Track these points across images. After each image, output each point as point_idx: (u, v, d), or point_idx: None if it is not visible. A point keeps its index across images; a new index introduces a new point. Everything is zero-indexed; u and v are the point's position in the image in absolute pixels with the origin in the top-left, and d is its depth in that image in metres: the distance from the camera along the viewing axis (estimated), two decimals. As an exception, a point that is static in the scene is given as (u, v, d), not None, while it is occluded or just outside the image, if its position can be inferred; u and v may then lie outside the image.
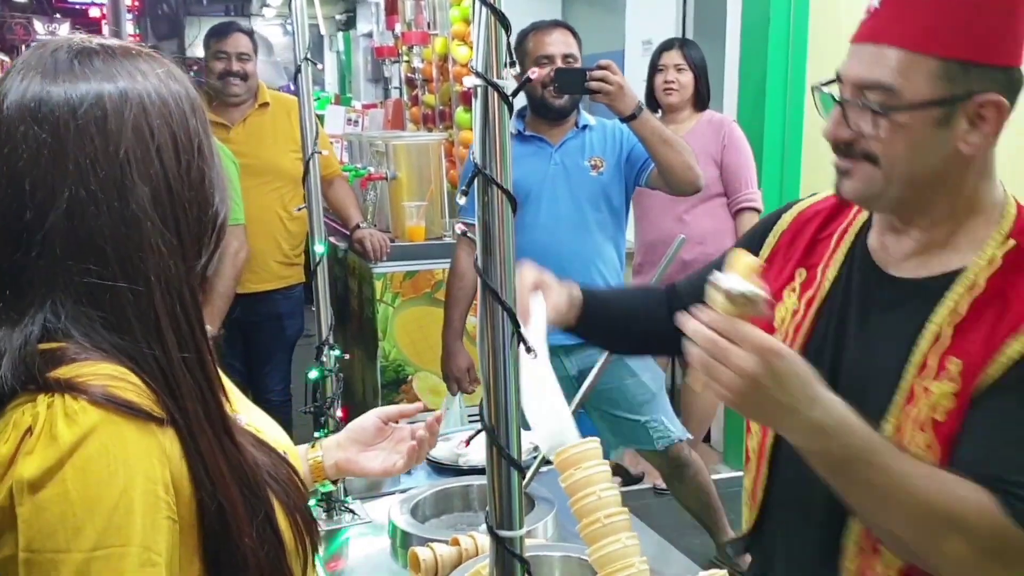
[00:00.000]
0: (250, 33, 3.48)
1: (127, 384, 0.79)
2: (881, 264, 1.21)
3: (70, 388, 0.77)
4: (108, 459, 0.76)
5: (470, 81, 0.78)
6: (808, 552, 1.21)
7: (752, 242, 1.37)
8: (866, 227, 1.26)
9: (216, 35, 3.43)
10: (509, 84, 0.79)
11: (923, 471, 1.02)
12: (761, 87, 3.72)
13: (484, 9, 0.77)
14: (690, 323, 0.98)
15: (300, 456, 1.31)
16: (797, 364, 0.99)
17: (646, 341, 1.54)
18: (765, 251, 1.34)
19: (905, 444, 1.11)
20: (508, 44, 0.78)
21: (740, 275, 0.95)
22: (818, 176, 3.64)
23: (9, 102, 0.82)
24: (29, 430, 0.75)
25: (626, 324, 1.48)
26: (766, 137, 3.70)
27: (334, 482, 1.67)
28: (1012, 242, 1.12)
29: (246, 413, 1.02)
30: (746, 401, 0.97)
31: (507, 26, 0.77)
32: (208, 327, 0.91)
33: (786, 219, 1.35)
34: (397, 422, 1.40)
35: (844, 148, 1.15)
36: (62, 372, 0.78)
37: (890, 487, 1.00)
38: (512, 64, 0.79)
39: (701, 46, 3.50)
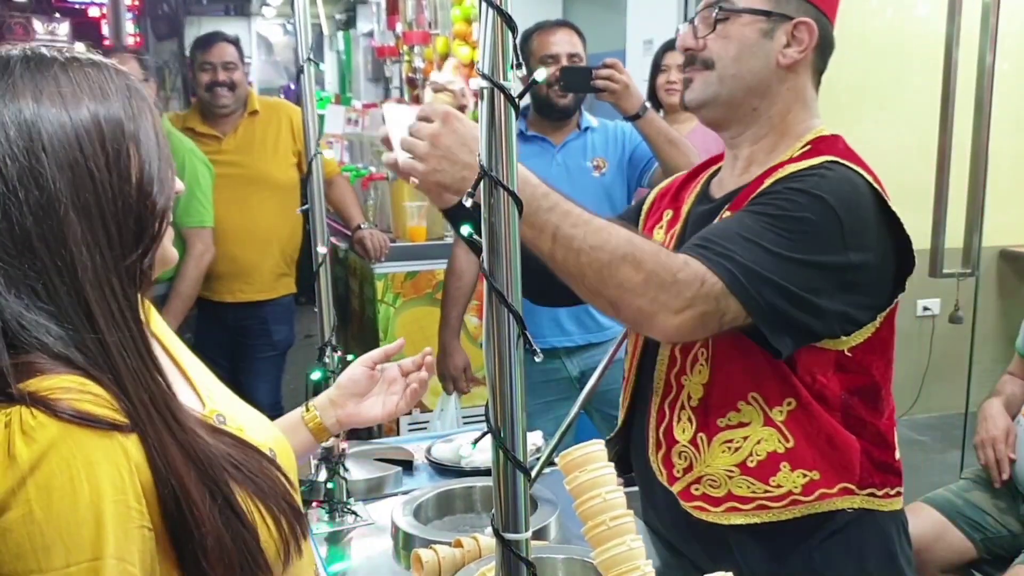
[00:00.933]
0: (235, 41, 3.43)
1: (87, 395, 0.78)
2: (712, 192, 1.46)
3: (34, 402, 0.76)
4: (71, 473, 0.75)
5: (476, 83, 0.78)
6: (642, 451, 1.43)
7: (634, 209, 1.64)
8: (715, 175, 1.50)
9: (200, 47, 3.38)
10: (516, 86, 0.78)
11: (599, 221, 1.19)
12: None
13: (490, 11, 0.76)
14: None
15: (296, 423, 1.38)
16: (476, 126, 1.13)
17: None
18: (646, 206, 1.60)
19: None
20: (515, 46, 0.78)
21: (446, 72, 1.10)
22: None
23: None
24: None
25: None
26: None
27: (336, 481, 1.66)
28: (808, 147, 1.36)
29: (230, 411, 1.01)
30: (435, 162, 1.13)
31: (514, 28, 0.77)
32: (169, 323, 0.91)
33: (665, 181, 1.63)
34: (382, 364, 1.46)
35: (688, 61, 1.41)
36: (25, 386, 0.77)
37: (573, 227, 1.15)
38: (519, 66, 0.79)
39: (703, 46, 3.49)
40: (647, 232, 1.52)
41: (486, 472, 1.80)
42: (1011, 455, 2.18)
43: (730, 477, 1.32)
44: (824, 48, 1.39)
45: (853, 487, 1.33)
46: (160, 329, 1.04)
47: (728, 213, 1.33)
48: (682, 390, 1.37)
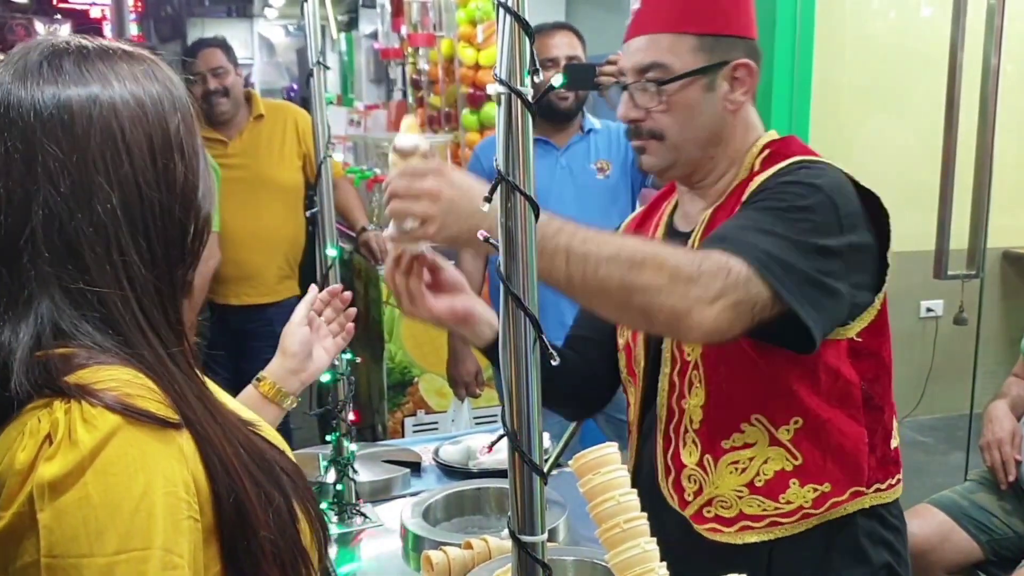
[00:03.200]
0: (221, 44, 3.39)
1: (142, 389, 0.80)
2: (679, 227, 1.46)
3: (87, 394, 0.76)
4: (127, 462, 0.76)
5: (493, 88, 0.78)
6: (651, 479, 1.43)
7: None
8: (675, 210, 1.50)
9: (186, 58, 3.37)
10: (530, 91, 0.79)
11: (609, 232, 1.20)
12: (767, 87, 3.72)
13: (507, 16, 0.77)
14: (387, 191, 1.14)
15: (258, 402, 1.42)
16: (471, 175, 1.15)
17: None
18: None
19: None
20: (532, 51, 0.78)
21: (405, 133, 1.14)
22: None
23: None
24: (48, 437, 0.75)
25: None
26: (771, 139, 3.70)
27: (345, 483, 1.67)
28: (767, 151, 1.37)
29: (249, 415, 1.01)
30: (443, 217, 1.10)
31: (531, 33, 0.77)
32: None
33: (625, 222, 1.63)
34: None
35: (635, 130, 1.39)
36: (77, 377, 0.78)
37: (584, 244, 1.12)
38: (536, 71, 0.79)
39: (707, 48, 3.50)
40: None
41: (495, 473, 1.81)
42: (1017, 457, 2.18)
43: (740, 497, 1.33)
44: (759, 62, 1.39)
45: (862, 488, 1.34)
46: None
47: (704, 215, 1.36)
48: (684, 414, 1.37)
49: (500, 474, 1.71)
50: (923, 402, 4.10)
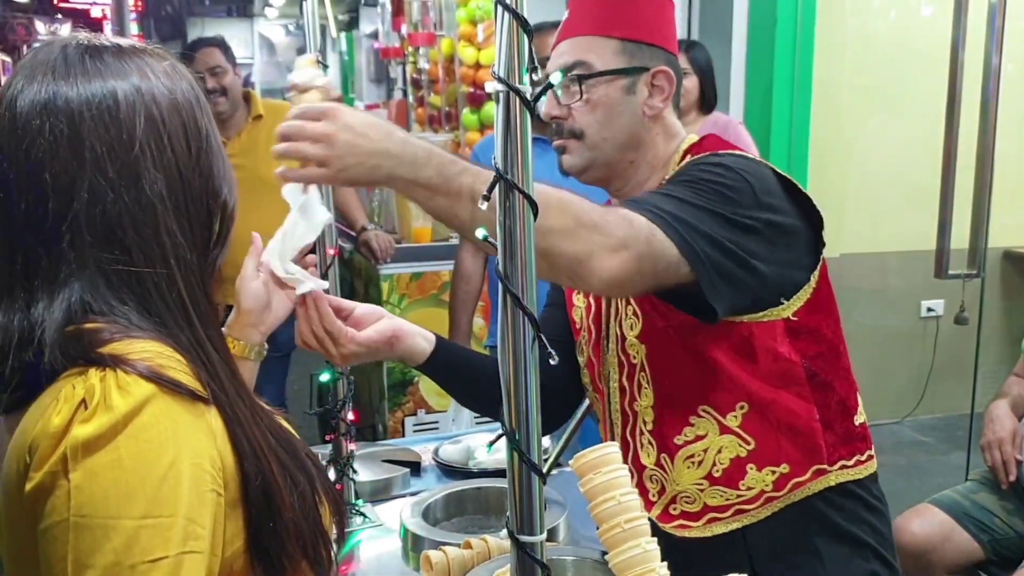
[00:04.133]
0: (220, 43, 3.39)
1: (173, 362, 0.82)
2: None
3: (121, 363, 0.78)
4: (159, 430, 0.77)
5: (492, 86, 0.78)
6: None
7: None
8: None
9: (185, 58, 3.37)
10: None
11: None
12: (768, 88, 3.72)
13: (505, 14, 0.76)
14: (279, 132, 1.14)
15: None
16: (365, 112, 1.13)
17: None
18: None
19: (621, 325, 1.38)
20: (530, 49, 0.78)
21: (301, 68, 1.14)
22: (825, 176, 3.64)
23: (23, 99, 0.85)
24: (83, 402, 0.76)
25: (479, 382, 1.52)
26: (773, 138, 3.70)
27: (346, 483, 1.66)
28: (689, 156, 1.38)
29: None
30: (341, 161, 1.09)
31: (529, 31, 0.77)
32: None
33: None
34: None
35: (556, 128, 1.41)
36: (111, 349, 0.80)
37: (489, 185, 1.09)
38: (534, 69, 0.79)
39: (707, 47, 3.50)
40: (569, 304, 1.54)
41: (494, 473, 1.81)
42: (1018, 456, 2.18)
43: (701, 490, 1.33)
44: (678, 76, 1.41)
45: (825, 466, 1.33)
46: None
47: None
48: (637, 417, 1.39)
49: (500, 474, 1.71)
50: (924, 402, 4.10)
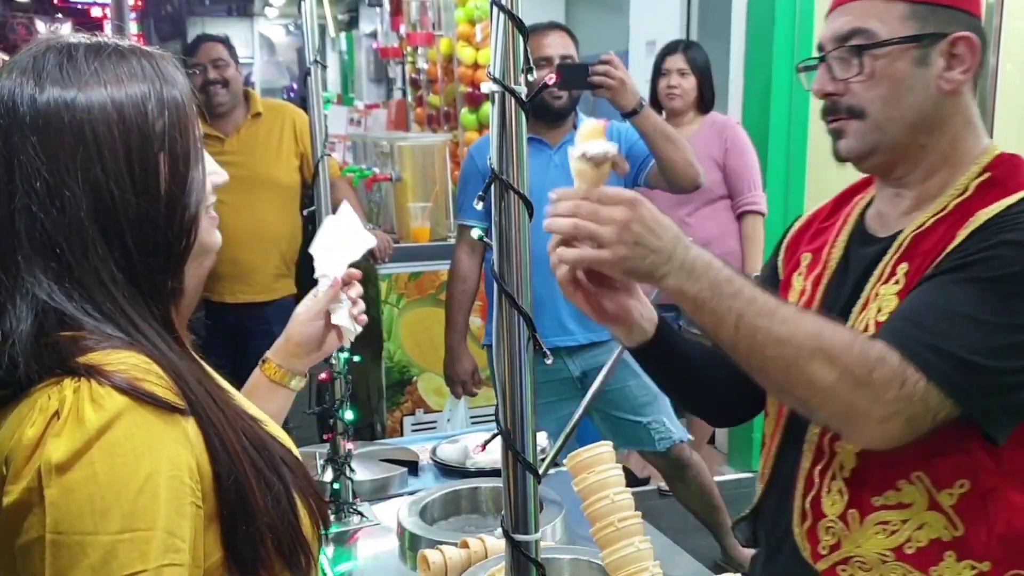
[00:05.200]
0: (223, 40, 3.42)
1: (150, 374, 0.81)
2: (873, 231, 1.26)
3: (96, 373, 0.78)
4: (134, 443, 0.76)
5: (487, 87, 0.78)
6: (781, 521, 1.24)
7: (769, 262, 1.44)
8: (868, 207, 1.31)
9: (188, 53, 3.41)
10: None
11: (786, 310, 1.07)
12: (766, 88, 3.72)
13: (501, 15, 0.77)
14: (559, 203, 1.06)
15: (267, 388, 1.35)
16: (660, 212, 1.07)
17: (699, 393, 1.42)
18: (781, 254, 1.40)
19: None
20: (526, 50, 0.78)
21: (589, 139, 1.05)
22: (823, 178, 3.64)
23: None
24: (56, 414, 0.76)
25: (689, 369, 1.37)
26: (771, 139, 3.70)
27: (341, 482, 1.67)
28: (987, 175, 1.18)
29: (248, 406, 1.02)
30: (625, 250, 1.03)
31: (525, 32, 0.77)
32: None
33: (795, 225, 1.42)
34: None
35: (831, 107, 1.21)
36: (87, 359, 0.79)
37: (757, 317, 1.04)
38: (530, 70, 0.79)
39: (706, 47, 3.50)
40: (784, 281, 1.36)
41: (491, 473, 1.81)
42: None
43: (883, 562, 1.15)
44: (985, 43, 1.19)
45: (1021, 572, 1.15)
46: None
47: (904, 265, 1.16)
48: (834, 458, 1.19)
49: (497, 473, 1.71)
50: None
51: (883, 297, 1.16)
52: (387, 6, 5.14)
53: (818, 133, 3.90)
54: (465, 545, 1.42)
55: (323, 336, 1.38)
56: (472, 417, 3.10)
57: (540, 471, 1.47)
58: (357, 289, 1.40)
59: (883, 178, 1.27)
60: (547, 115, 2.64)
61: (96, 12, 11.90)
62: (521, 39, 0.77)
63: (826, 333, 1.04)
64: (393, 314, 3.44)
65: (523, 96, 0.78)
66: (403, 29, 4.73)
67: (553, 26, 2.71)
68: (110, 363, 0.79)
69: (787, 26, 3.64)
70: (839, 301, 1.24)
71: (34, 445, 0.75)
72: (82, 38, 0.89)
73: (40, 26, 11.68)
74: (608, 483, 0.95)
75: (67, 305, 0.82)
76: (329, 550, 1.58)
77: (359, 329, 1.41)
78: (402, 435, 3.41)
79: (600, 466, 0.95)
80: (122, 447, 0.76)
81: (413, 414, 3.54)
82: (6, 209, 0.83)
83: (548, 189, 2.94)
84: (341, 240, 1.41)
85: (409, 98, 4.87)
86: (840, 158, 1.24)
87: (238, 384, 1.34)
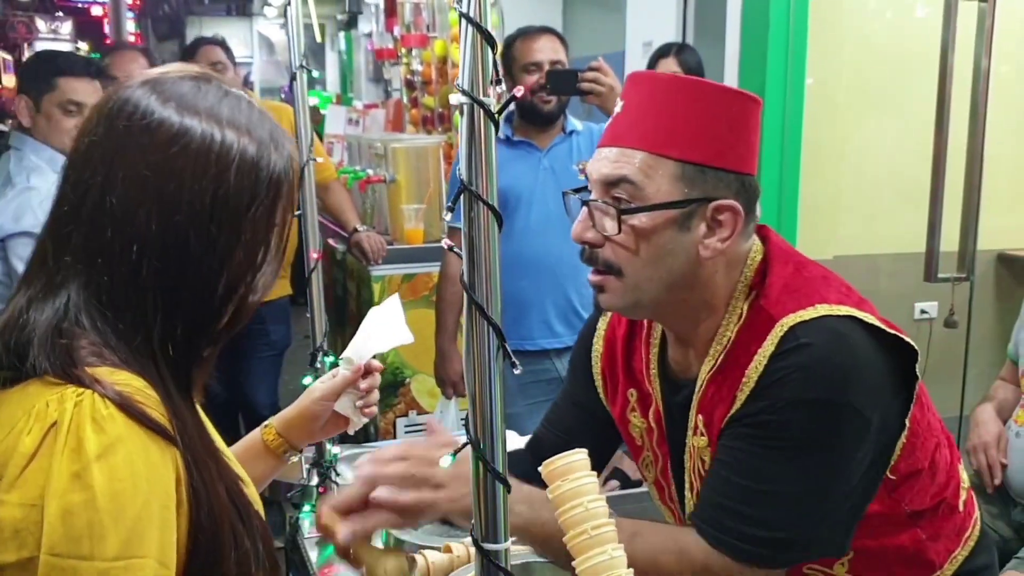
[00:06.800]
0: (221, 43, 3.46)
1: (149, 399, 0.81)
2: (675, 375, 1.31)
3: (100, 389, 0.78)
4: (133, 469, 0.77)
5: (456, 99, 0.79)
6: None
7: (580, 367, 1.48)
8: (664, 337, 1.33)
9: (186, 55, 3.43)
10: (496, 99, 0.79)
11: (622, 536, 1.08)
12: (761, 90, 3.72)
13: (470, 27, 0.77)
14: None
15: (260, 452, 1.35)
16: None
17: None
18: (598, 380, 1.44)
19: (697, 495, 1.26)
20: (494, 62, 0.78)
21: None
22: (818, 178, 3.64)
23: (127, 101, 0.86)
24: (54, 424, 0.76)
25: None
26: (765, 140, 3.70)
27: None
28: (753, 293, 1.21)
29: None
30: (463, 488, 1.05)
31: (493, 44, 0.78)
32: None
33: (597, 349, 1.44)
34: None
35: (589, 259, 1.20)
36: (95, 372, 0.79)
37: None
38: (498, 82, 0.79)
39: (701, 48, 3.51)
40: (618, 417, 1.41)
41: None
42: (1003, 460, 2.18)
43: None
44: (752, 203, 1.19)
45: (939, 572, 1.31)
46: None
47: (700, 417, 1.23)
48: None
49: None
50: (916, 403, 4.09)
51: (699, 449, 1.24)
52: (382, 6, 5.14)
53: (812, 135, 3.92)
54: (448, 550, 1.42)
55: (328, 418, 1.38)
56: (463, 418, 3.10)
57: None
58: (374, 380, 1.39)
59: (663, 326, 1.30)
60: (536, 119, 2.65)
61: (96, 11, 11.91)
62: (490, 51, 0.78)
63: (659, 558, 1.14)
64: (387, 315, 3.44)
65: (492, 108, 0.78)
66: (397, 30, 4.73)
67: (544, 30, 2.72)
68: (116, 382, 0.79)
69: (782, 28, 3.64)
70: (676, 442, 1.30)
71: (30, 455, 0.75)
72: (223, 84, 0.91)
73: (40, 24, 11.69)
74: (582, 491, 0.94)
75: (95, 318, 0.82)
76: (314, 555, 1.58)
77: (365, 420, 1.40)
78: (395, 437, 3.41)
79: (574, 474, 0.95)
80: (121, 472, 0.76)
81: (406, 415, 3.54)
82: (73, 206, 0.83)
83: (537, 191, 2.97)
84: (379, 330, 1.43)
85: (405, 99, 4.87)
86: (603, 310, 1.29)
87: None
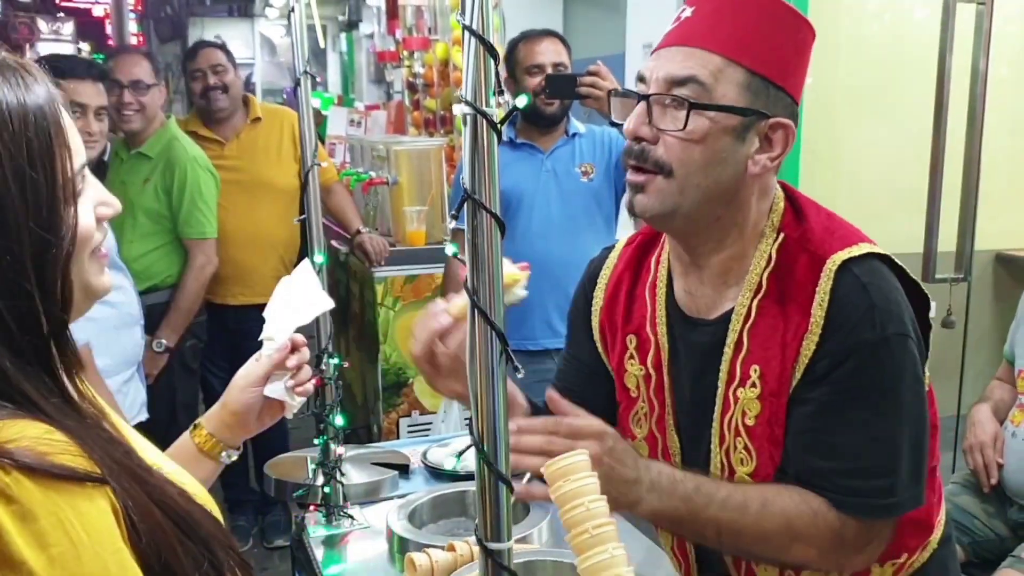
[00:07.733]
0: (222, 46, 3.50)
1: (56, 444, 0.72)
2: (692, 313, 1.29)
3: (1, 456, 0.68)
4: (64, 528, 0.69)
5: (459, 109, 0.81)
6: None
7: (579, 317, 1.46)
8: (670, 281, 1.32)
9: (188, 58, 3.46)
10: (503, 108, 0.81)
11: (753, 505, 1.16)
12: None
13: (472, 38, 0.79)
14: (521, 439, 1.08)
15: (193, 455, 1.23)
16: (624, 440, 1.13)
17: None
18: (596, 334, 1.42)
19: (728, 451, 1.23)
20: (497, 73, 0.81)
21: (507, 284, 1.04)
22: (816, 179, 3.66)
23: None
24: None
25: None
26: (764, 142, 3.72)
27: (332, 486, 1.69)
28: (782, 235, 1.21)
29: (164, 463, 0.94)
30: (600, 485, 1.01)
31: (495, 55, 0.80)
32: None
33: (598, 296, 1.42)
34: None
35: (639, 155, 1.16)
36: None
37: (731, 523, 1.15)
38: (500, 92, 0.81)
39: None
40: (615, 366, 1.39)
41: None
42: (999, 460, 2.20)
43: None
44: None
45: (931, 536, 1.33)
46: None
47: (756, 367, 1.20)
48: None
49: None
50: (916, 403, 4.11)
51: (744, 402, 1.21)
52: (384, 8, 5.16)
53: (811, 137, 3.95)
54: (452, 548, 1.44)
55: (262, 406, 1.27)
56: (466, 419, 3.12)
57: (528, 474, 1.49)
58: (302, 356, 1.29)
59: (676, 250, 1.28)
60: (539, 121, 2.68)
61: (98, 12, 11.93)
62: (492, 62, 0.80)
63: (794, 521, 1.15)
64: (389, 317, 3.47)
65: (495, 118, 0.80)
66: (399, 33, 4.75)
67: (546, 33, 2.75)
68: (10, 439, 0.69)
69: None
70: (685, 389, 1.30)
71: None
72: None
73: (42, 25, 11.70)
74: (583, 491, 0.96)
75: None
76: (319, 553, 1.60)
77: (302, 401, 1.30)
78: (398, 437, 3.43)
79: (576, 474, 0.97)
80: (52, 537, 0.68)
81: (409, 416, 3.56)
82: None
83: (540, 192, 2.99)
84: (296, 302, 1.32)
85: (407, 101, 4.89)
86: (634, 214, 1.21)
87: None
